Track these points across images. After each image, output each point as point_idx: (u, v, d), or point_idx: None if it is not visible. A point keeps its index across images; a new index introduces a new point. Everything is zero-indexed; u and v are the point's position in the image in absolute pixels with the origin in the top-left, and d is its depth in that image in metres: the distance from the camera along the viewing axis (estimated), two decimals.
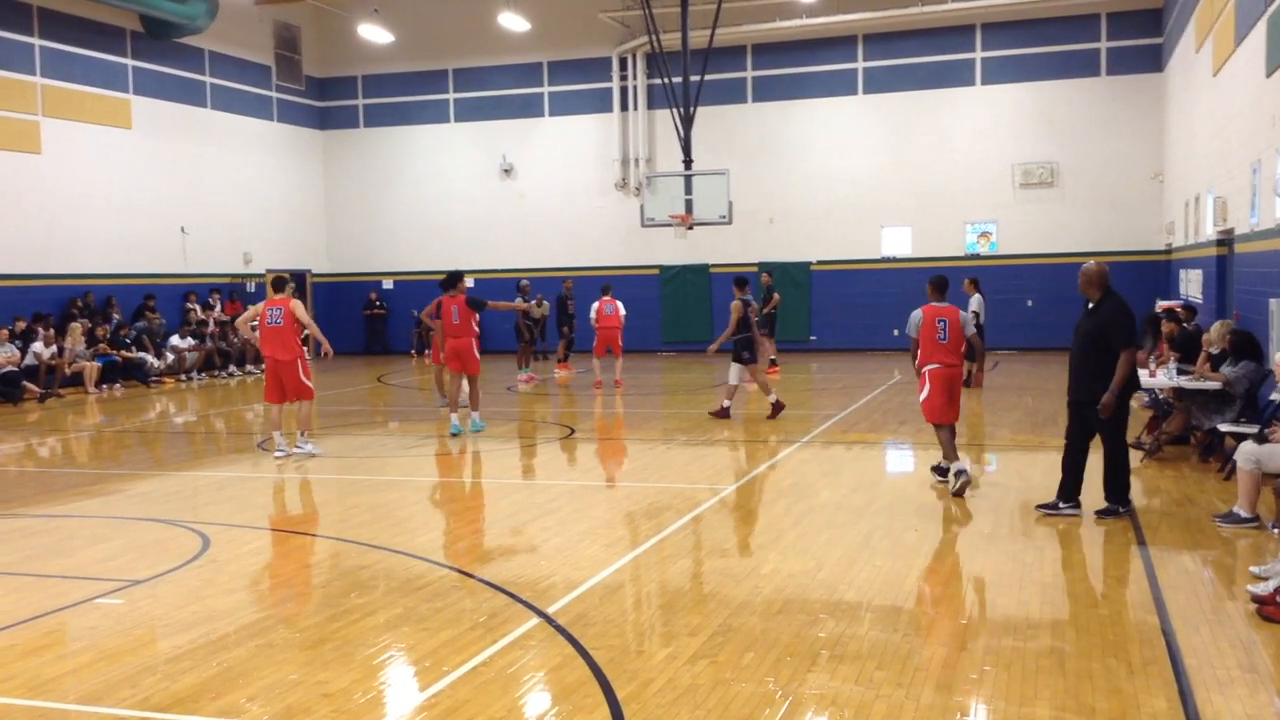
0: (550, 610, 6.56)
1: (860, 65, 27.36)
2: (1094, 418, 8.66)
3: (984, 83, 26.59)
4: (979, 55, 26.60)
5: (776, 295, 23.21)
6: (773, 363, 22.16)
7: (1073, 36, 25.91)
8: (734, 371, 15.85)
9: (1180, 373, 11.68)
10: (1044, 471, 10.62)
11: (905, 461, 12.56)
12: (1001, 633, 6.09)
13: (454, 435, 14.32)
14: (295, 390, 13.04)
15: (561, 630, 6.19)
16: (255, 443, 14.57)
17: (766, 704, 5.09)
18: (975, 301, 19.11)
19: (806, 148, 27.70)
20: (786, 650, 5.81)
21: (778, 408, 15.30)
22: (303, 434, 13.10)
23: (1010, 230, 26.52)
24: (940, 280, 10.64)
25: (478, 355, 14.75)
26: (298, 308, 12.92)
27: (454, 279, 14.68)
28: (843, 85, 27.49)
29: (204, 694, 5.36)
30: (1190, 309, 15.59)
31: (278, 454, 12.84)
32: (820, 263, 27.65)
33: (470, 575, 7.48)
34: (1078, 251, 24.68)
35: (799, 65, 27.68)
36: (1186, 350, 12.64)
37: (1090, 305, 8.77)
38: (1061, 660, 5.63)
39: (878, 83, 27.25)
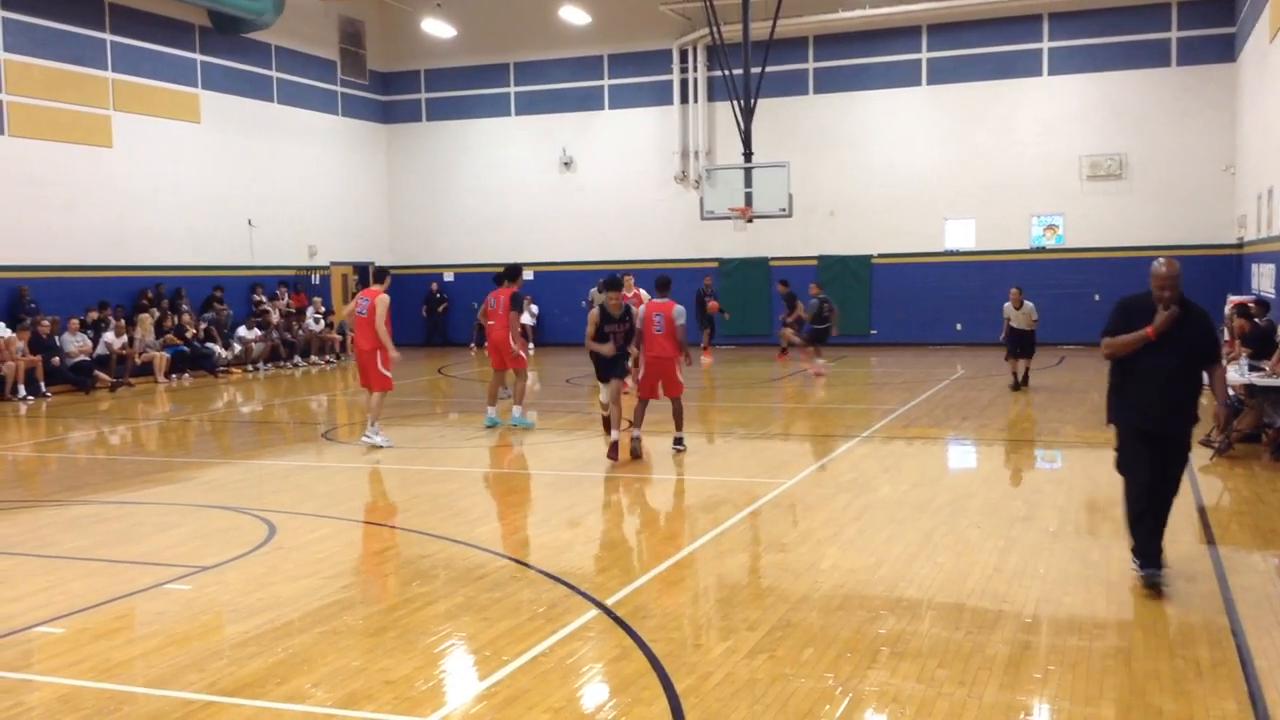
0: (608, 602, 6.58)
1: (924, 56, 27.04)
2: (1181, 454, 6.91)
3: (1051, 73, 26.16)
4: (1046, 45, 26.16)
5: (829, 308, 21.23)
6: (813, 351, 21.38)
7: (1142, 26, 25.39)
8: (606, 390, 12.50)
9: (1252, 369, 11.42)
10: (1112, 470, 10.42)
11: (968, 457, 12.42)
12: (1066, 632, 6.00)
13: (488, 428, 14.35)
14: (375, 379, 13.19)
15: (620, 622, 6.21)
16: (320, 432, 14.76)
17: (826, 700, 5.06)
18: (1025, 309, 17.42)
19: (868, 140, 27.45)
20: (846, 646, 5.77)
21: (615, 450, 11.60)
22: (372, 423, 13.23)
23: (1077, 223, 26.09)
24: (663, 280, 12.52)
25: (519, 350, 14.62)
26: (382, 304, 13.04)
27: (513, 273, 14.68)
28: (906, 76, 27.21)
29: (269, 679, 5.45)
30: (1263, 304, 15.23)
31: (372, 438, 13.06)
32: (881, 256, 27.40)
33: (529, 566, 7.52)
34: (1146, 245, 24.22)
35: (861, 56, 27.43)
36: (1259, 346, 12.35)
37: (1160, 311, 6.71)
38: (1128, 660, 5.53)
39: (942, 74, 26.92)
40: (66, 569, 7.71)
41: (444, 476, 11.39)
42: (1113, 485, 9.40)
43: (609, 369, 12.04)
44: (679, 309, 11.76)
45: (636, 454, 11.81)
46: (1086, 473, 10.79)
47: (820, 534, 8.42)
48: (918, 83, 27.16)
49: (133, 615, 6.71)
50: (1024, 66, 26.31)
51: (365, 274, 30.35)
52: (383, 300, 13.03)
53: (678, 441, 12.14)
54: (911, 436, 13.31)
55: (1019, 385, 17.71)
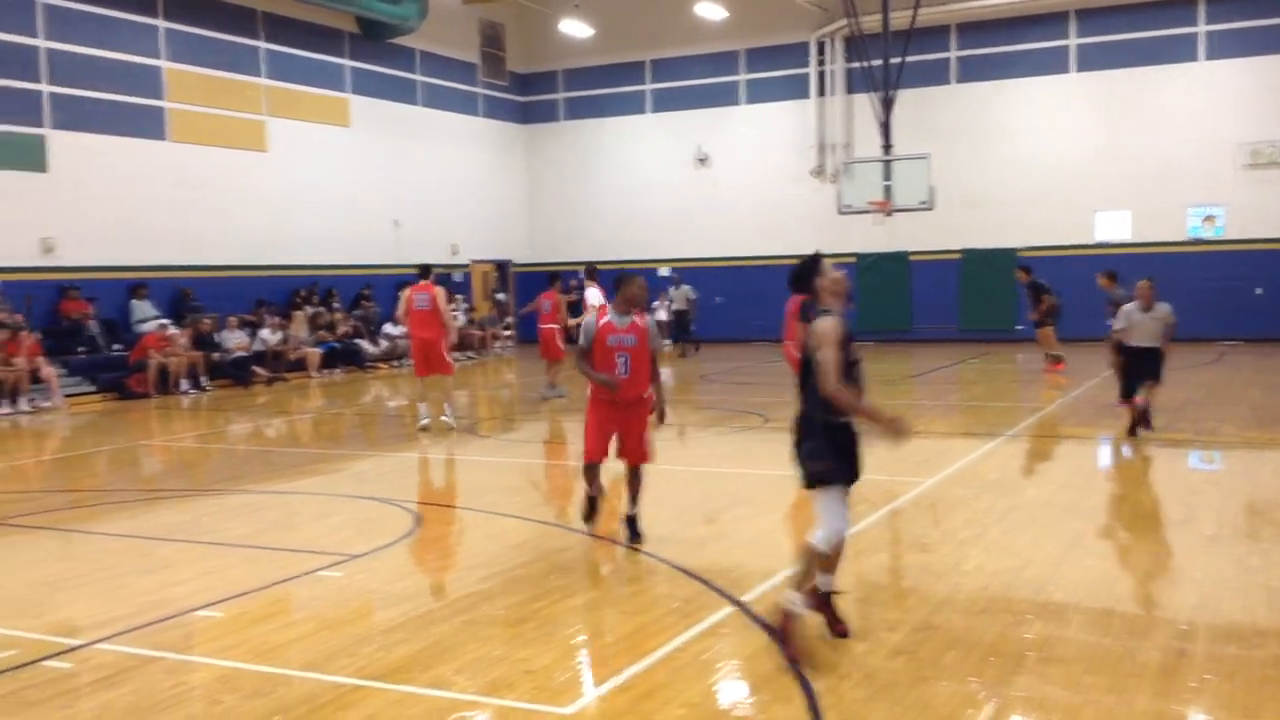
0: (745, 599, 6.56)
1: (1072, 42, 26.15)
2: None
3: (1207, 58, 24.99)
4: (1202, 29, 25.01)
5: (1046, 297, 19.59)
6: (1057, 359, 19.49)
7: None
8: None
9: None
10: (1275, 471, 9.94)
11: (1120, 458, 11.97)
12: (1224, 640, 5.73)
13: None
14: (439, 364, 14.12)
15: (756, 619, 6.19)
16: (462, 426, 15.12)
17: (969, 704, 4.95)
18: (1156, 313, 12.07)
19: (1013, 130, 26.69)
20: (991, 650, 5.63)
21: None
22: (447, 406, 14.32)
23: (1237, 213, 24.87)
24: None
25: (558, 343, 17.07)
26: (440, 294, 14.10)
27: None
28: (1053, 64, 26.36)
29: (415, 665, 5.61)
30: None
31: (423, 422, 14.05)
32: (1027, 249, 26.61)
33: (665, 561, 7.56)
34: None
35: (1006, 44, 26.69)
36: None
37: None
38: None
39: (1091, 60, 25.99)
40: (226, 555, 8.08)
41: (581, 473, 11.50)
42: (1274, 487, 8.95)
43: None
44: (650, 321, 7.89)
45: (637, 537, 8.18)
46: (1247, 474, 10.29)
47: (963, 535, 8.23)
48: (1065, 70, 26.29)
49: (288, 600, 6.99)
50: (1178, 51, 25.20)
51: (505, 271, 30.99)
52: (440, 292, 14.18)
53: (631, 524, 8.12)
54: (1060, 436, 12.91)
55: (1141, 426, 12.11)
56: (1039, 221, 26.40)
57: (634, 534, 8.04)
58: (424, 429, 13.99)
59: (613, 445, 7.95)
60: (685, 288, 27.32)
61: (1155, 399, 12.29)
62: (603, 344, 7.72)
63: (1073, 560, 7.34)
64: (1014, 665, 5.42)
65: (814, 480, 5.82)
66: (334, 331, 23.80)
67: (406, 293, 14.30)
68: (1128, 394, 12.17)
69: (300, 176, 24.64)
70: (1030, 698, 5.03)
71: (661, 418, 8.01)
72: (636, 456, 7.98)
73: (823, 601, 5.85)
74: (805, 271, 9.32)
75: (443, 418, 14.25)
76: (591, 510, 8.17)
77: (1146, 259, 25.11)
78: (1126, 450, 11.83)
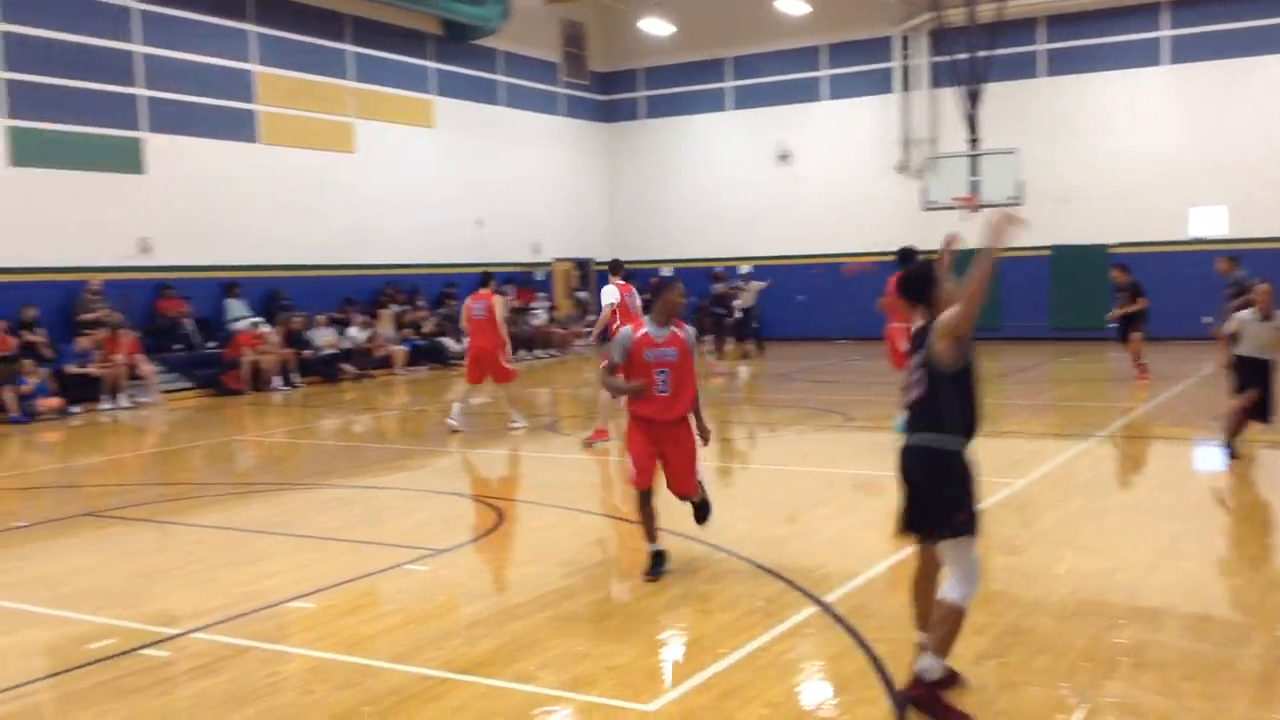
0: (828, 599, 6.51)
1: (1165, 34, 25.46)
2: None
3: None
4: None
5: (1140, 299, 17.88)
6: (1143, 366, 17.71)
7: None
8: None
9: None
10: None
11: (1218, 460, 11.60)
12: None
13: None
14: (496, 372, 14.04)
15: (839, 620, 6.14)
16: (544, 423, 15.23)
17: (1059, 710, 4.86)
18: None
19: (1104, 123, 26.04)
20: (1082, 655, 5.52)
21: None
22: (514, 412, 14.28)
23: None
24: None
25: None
26: (498, 303, 14.03)
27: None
28: (1144, 56, 25.68)
29: (499, 659, 5.67)
30: None
31: (451, 420, 14.08)
32: (1118, 245, 25.99)
33: (747, 560, 7.53)
34: None
35: (1096, 36, 26.07)
36: None
37: None
38: None
39: (1184, 52, 25.27)
40: (317, 548, 8.25)
41: None
42: None
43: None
44: (691, 332, 7.13)
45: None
46: None
47: (1055, 537, 8.07)
48: (1157, 62, 25.60)
49: (376, 593, 7.11)
50: (1274, 42, 24.36)
51: (586, 269, 31.15)
52: (498, 301, 14.07)
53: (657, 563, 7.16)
54: (1155, 436, 12.59)
55: (1232, 450, 10.59)
56: (1131, 217, 25.74)
57: (703, 510, 7.45)
58: (454, 430, 13.96)
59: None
60: (755, 283, 26.77)
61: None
62: (639, 359, 6.81)
63: (1168, 563, 7.15)
64: (1106, 670, 5.30)
65: (958, 531, 4.85)
66: (419, 329, 24.14)
67: (467, 301, 14.35)
68: (1248, 411, 10.67)
69: (386, 177, 25.03)
70: (1122, 704, 4.91)
71: (705, 438, 7.16)
72: (685, 486, 7.09)
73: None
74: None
75: (449, 419, 14.21)
76: (657, 563, 7.07)
77: (1244, 256, 24.37)
78: (1226, 451, 11.47)
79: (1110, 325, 18.60)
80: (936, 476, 4.86)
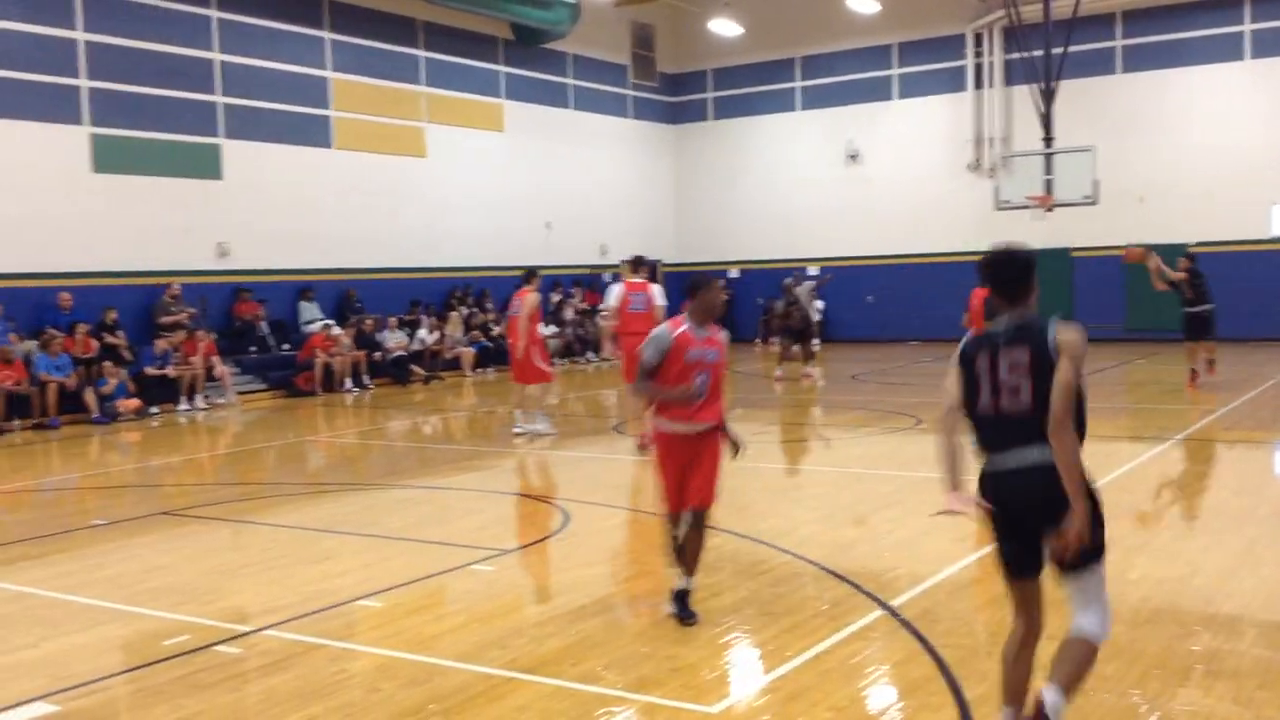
0: (894, 603, 6.45)
1: (1247, 28, 24.81)
2: None
3: None
4: None
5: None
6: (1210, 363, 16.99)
7: None
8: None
9: None
10: None
11: None
12: None
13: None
14: (528, 372, 13.73)
15: (906, 624, 6.07)
16: (610, 425, 15.28)
17: (1130, 717, 4.77)
18: None
19: (1183, 120, 25.46)
20: (1155, 662, 5.40)
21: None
22: (537, 414, 13.90)
23: None
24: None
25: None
26: (528, 303, 13.60)
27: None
28: (1225, 50, 25.05)
29: (565, 659, 5.70)
30: None
31: (520, 429, 13.74)
32: (1197, 244, 25.33)
33: (813, 563, 7.48)
34: None
35: (1175, 31, 25.49)
36: None
37: None
38: None
39: (1267, 47, 24.60)
40: (385, 548, 8.36)
41: (729, 471, 11.49)
42: None
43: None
44: (726, 334, 6.59)
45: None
46: None
47: (1128, 541, 7.90)
48: (1239, 57, 24.96)
49: (442, 593, 7.19)
50: None
51: (654, 272, 31.13)
52: (530, 299, 13.58)
53: (681, 600, 6.39)
54: (1234, 440, 12.27)
55: None
56: (1210, 216, 25.11)
57: (685, 612, 6.28)
58: (517, 434, 13.72)
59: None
60: (807, 284, 25.83)
61: None
62: (679, 359, 6.22)
63: (1246, 570, 6.97)
64: (1179, 679, 5.18)
65: (1093, 556, 4.23)
66: (487, 332, 24.36)
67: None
68: None
69: (456, 181, 25.29)
70: (1196, 712, 4.80)
71: (737, 448, 6.50)
72: (702, 496, 6.36)
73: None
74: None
75: (521, 427, 13.72)
76: (682, 605, 6.35)
77: None
78: None
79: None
80: (1054, 493, 4.12)
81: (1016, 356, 4.14)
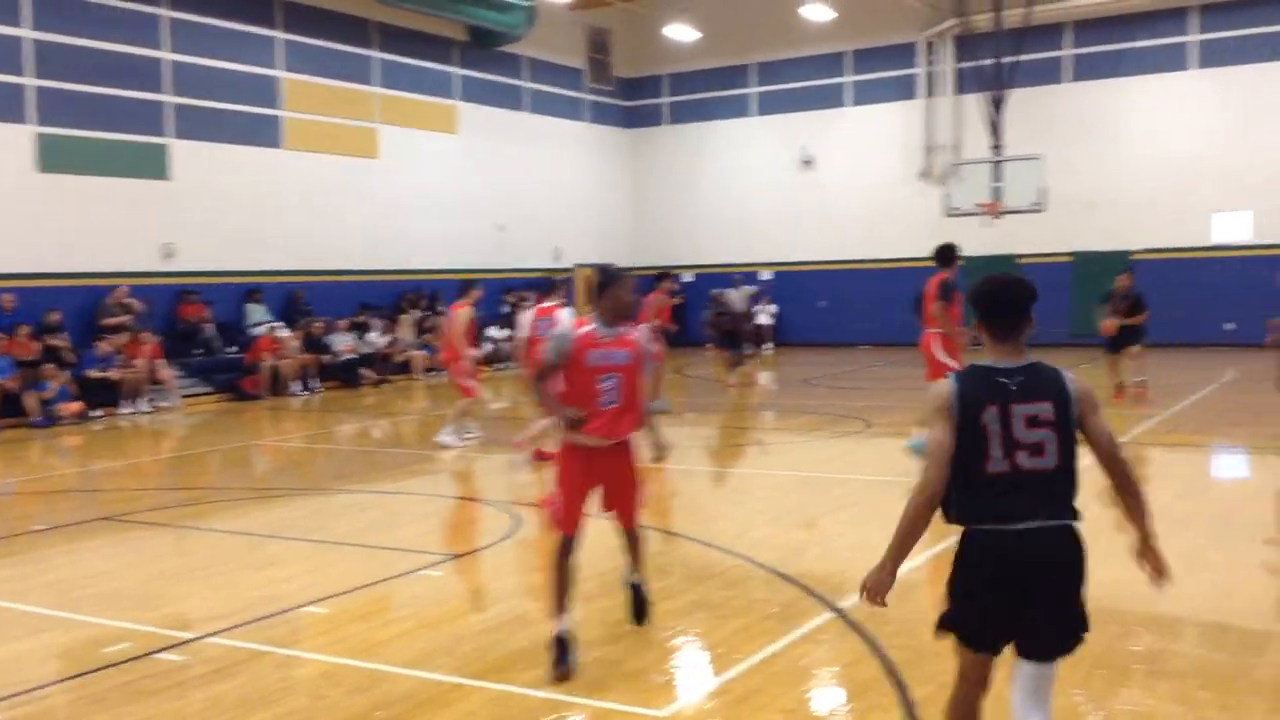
0: (844, 606, 6.48)
1: (1193, 39, 25.27)
2: None
3: None
4: None
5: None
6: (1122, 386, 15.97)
7: None
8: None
9: None
10: None
11: (1239, 468, 11.52)
12: None
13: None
14: (458, 384, 13.68)
15: (855, 627, 6.11)
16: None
17: (1073, 717, 4.83)
18: None
19: (1129, 129, 25.88)
20: (1097, 663, 5.46)
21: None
22: (449, 426, 13.75)
23: None
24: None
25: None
26: (459, 317, 13.53)
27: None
28: (1171, 60, 25.51)
29: (513, 665, 5.66)
30: None
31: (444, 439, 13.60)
32: (1141, 251, 25.79)
33: (763, 566, 7.51)
34: None
35: (1123, 41, 25.91)
36: None
37: None
38: None
39: (1212, 56, 25.08)
40: (331, 553, 8.28)
41: (680, 475, 11.53)
42: None
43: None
44: (643, 333, 5.95)
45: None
46: None
47: None
48: (1184, 67, 25.43)
49: (390, 599, 7.12)
50: None
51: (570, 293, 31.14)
52: (461, 314, 13.48)
53: (636, 591, 6.28)
54: (1174, 444, 12.48)
55: None
56: (1154, 223, 25.56)
57: (640, 607, 6.15)
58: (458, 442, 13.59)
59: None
60: (745, 288, 25.63)
61: None
62: (580, 362, 5.58)
63: (1187, 573, 7.05)
64: (1121, 678, 5.26)
65: (1084, 631, 3.82)
66: (438, 335, 24.22)
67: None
68: None
69: (409, 182, 25.13)
70: (1138, 711, 4.87)
71: (664, 454, 6.09)
72: (630, 519, 6.03)
73: None
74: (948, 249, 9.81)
75: (439, 437, 13.55)
76: (563, 652, 5.51)
77: (1271, 261, 24.18)
78: (1244, 459, 11.38)
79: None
80: (1081, 572, 3.75)
81: (1038, 410, 3.68)
